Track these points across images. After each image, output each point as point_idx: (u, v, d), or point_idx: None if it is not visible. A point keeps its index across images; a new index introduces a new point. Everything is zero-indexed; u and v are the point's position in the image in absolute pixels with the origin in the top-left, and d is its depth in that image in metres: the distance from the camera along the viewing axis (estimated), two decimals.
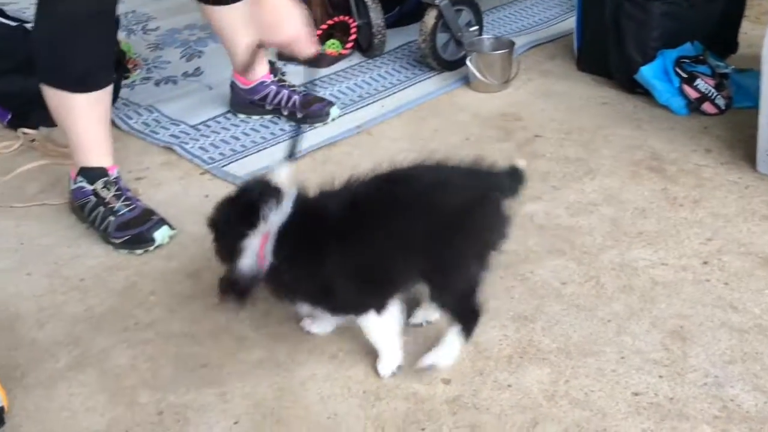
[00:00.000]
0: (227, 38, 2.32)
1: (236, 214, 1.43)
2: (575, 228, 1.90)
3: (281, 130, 2.39)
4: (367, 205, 1.42)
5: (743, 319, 1.60)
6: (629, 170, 2.12)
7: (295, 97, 2.40)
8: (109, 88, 1.93)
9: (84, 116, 1.89)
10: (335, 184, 1.46)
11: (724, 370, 1.48)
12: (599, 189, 2.05)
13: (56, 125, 2.04)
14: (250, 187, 1.48)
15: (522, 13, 3.27)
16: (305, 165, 2.15)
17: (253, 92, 2.41)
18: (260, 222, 1.39)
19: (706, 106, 2.35)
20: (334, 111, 2.42)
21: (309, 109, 2.39)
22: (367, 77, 2.71)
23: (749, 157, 2.10)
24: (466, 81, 2.65)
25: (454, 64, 2.72)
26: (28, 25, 2.40)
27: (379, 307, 1.44)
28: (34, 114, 2.37)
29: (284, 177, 1.50)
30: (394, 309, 1.46)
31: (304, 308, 1.49)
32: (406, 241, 1.39)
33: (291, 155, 1.57)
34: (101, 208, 1.91)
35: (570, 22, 2.88)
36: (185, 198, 2.08)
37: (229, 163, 2.22)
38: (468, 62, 2.58)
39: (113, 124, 2.02)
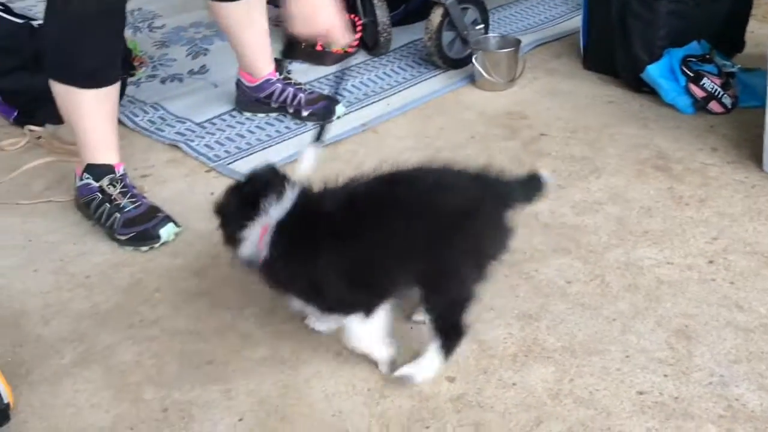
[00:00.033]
0: (234, 35, 2.32)
1: (238, 204, 1.44)
2: (580, 227, 1.90)
3: (286, 128, 2.39)
4: (365, 205, 1.41)
5: (749, 318, 1.60)
6: (635, 169, 2.12)
7: (301, 95, 2.40)
8: (118, 86, 1.94)
9: (92, 113, 1.90)
10: (339, 182, 1.46)
11: (729, 370, 1.48)
12: (605, 188, 2.04)
13: (62, 122, 2.05)
14: (256, 176, 1.48)
15: (528, 12, 3.27)
16: None
17: (259, 90, 2.41)
18: (260, 214, 1.39)
19: (713, 105, 2.34)
20: (339, 109, 2.42)
21: (314, 107, 2.39)
22: (373, 75, 2.71)
23: (755, 157, 2.09)
24: (472, 79, 2.64)
25: (459, 63, 2.72)
26: (35, 23, 2.41)
27: (368, 310, 1.42)
28: (40, 111, 2.38)
29: (310, 161, 1.51)
30: (381, 314, 1.44)
31: (296, 303, 1.49)
32: (401, 242, 1.37)
33: (319, 139, 1.57)
34: (107, 205, 1.91)
35: (576, 21, 2.87)
36: (191, 195, 2.09)
37: (234, 161, 2.22)
38: (474, 60, 2.58)
39: (119, 121, 2.02)
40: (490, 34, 2.76)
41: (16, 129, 2.43)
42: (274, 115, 2.45)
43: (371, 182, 1.44)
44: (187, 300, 1.72)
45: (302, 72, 2.72)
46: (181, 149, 2.29)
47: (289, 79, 2.46)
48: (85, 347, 1.61)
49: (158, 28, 3.18)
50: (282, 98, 2.41)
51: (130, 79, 2.65)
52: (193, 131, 2.39)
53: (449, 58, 2.71)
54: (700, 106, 2.35)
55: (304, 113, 2.39)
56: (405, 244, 1.38)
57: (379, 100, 2.55)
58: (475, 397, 1.44)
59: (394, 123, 2.43)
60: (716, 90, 2.33)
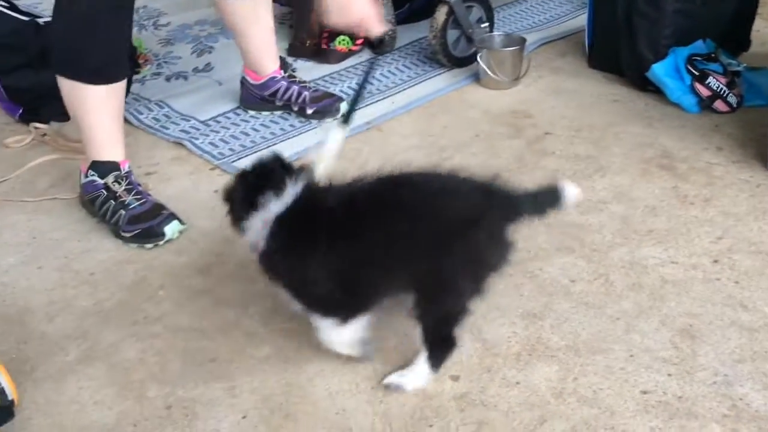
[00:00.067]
0: (239, 32, 2.32)
1: (242, 194, 1.44)
2: (585, 225, 1.89)
3: (291, 125, 2.40)
4: (367, 205, 1.40)
5: (753, 317, 1.59)
6: (640, 168, 2.11)
7: (305, 93, 2.40)
8: (124, 83, 1.95)
9: (98, 109, 1.90)
10: (342, 180, 1.46)
11: (733, 369, 1.47)
12: (609, 186, 2.04)
13: (67, 120, 2.05)
14: (263, 166, 1.46)
15: (533, 10, 3.26)
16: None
17: (264, 88, 2.41)
18: (261, 207, 1.40)
19: (718, 104, 2.34)
20: (343, 107, 2.42)
21: (319, 105, 2.39)
22: (377, 73, 2.71)
23: (761, 156, 2.09)
24: (477, 78, 2.64)
25: (464, 61, 2.72)
26: (41, 20, 2.41)
27: (346, 317, 1.42)
28: (45, 108, 2.38)
29: (336, 142, 1.52)
30: (357, 324, 1.44)
31: (283, 296, 1.47)
32: (400, 245, 1.36)
33: (346, 120, 1.58)
34: (112, 202, 1.91)
35: (581, 19, 2.87)
36: (195, 193, 2.09)
37: (239, 159, 2.22)
38: (478, 59, 2.58)
39: (124, 119, 2.02)
40: (495, 33, 2.75)
41: (22, 126, 2.44)
42: (278, 113, 2.45)
43: (375, 183, 1.42)
44: (191, 298, 1.73)
45: (307, 70, 2.72)
46: (185, 147, 2.30)
47: (294, 77, 2.46)
48: (89, 344, 1.61)
49: (163, 26, 3.18)
50: (287, 96, 2.41)
51: (135, 77, 2.65)
52: (198, 129, 2.39)
53: (454, 56, 2.70)
54: (706, 105, 2.34)
55: (309, 111, 2.39)
56: (403, 247, 1.36)
57: (384, 98, 2.55)
58: (478, 396, 1.44)
59: (399, 121, 2.43)
60: (721, 89, 2.32)
